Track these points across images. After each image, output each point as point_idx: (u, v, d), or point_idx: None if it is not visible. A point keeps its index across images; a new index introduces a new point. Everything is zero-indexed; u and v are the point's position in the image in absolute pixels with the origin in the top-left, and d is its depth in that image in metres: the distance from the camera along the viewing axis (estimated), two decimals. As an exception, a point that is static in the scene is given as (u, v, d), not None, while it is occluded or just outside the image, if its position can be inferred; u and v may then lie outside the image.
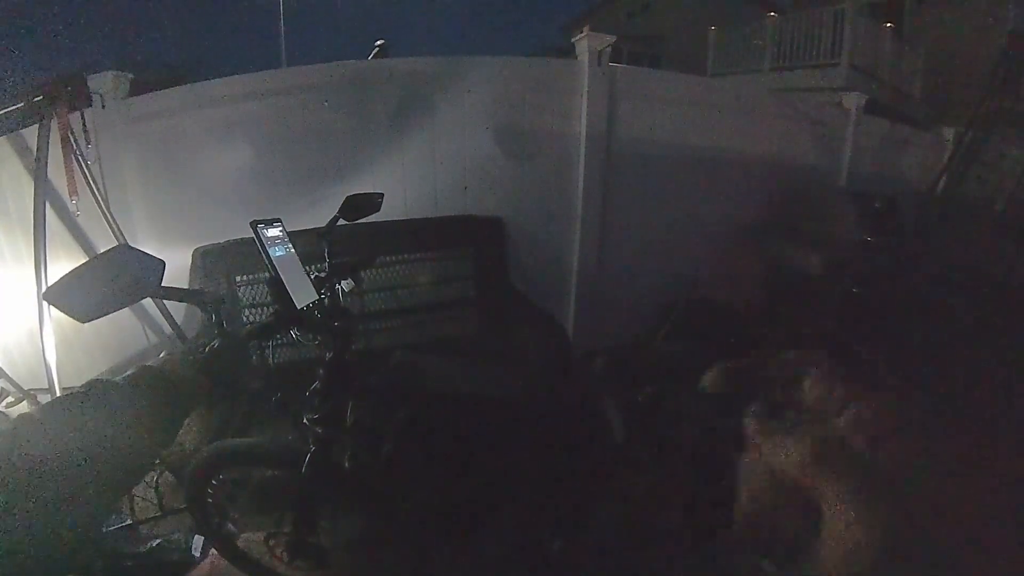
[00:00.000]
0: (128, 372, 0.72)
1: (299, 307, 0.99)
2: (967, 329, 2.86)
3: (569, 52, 2.83)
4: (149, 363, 0.77)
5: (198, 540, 1.89)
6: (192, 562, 1.84)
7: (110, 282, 0.72)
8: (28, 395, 2.58)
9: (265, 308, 2.25)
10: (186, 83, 2.53)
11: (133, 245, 0.79)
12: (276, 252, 1.00)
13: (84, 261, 0.75)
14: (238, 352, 0.88)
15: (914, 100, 6.52)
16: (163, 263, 0.80)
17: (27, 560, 0.35)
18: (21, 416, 0.51)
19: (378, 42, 3.30)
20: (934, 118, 5.68)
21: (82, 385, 0.62)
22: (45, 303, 1.98)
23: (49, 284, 0.70)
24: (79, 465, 0.50)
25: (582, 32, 2.68)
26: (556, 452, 1.15)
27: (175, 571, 1.81)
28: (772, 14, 6.83)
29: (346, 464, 1.12)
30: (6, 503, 0.38)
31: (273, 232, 1.01)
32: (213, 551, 1.80)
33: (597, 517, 1.23)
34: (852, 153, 3.80)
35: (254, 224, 0.98)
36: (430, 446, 1.18)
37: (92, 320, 0.71)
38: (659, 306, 2.88)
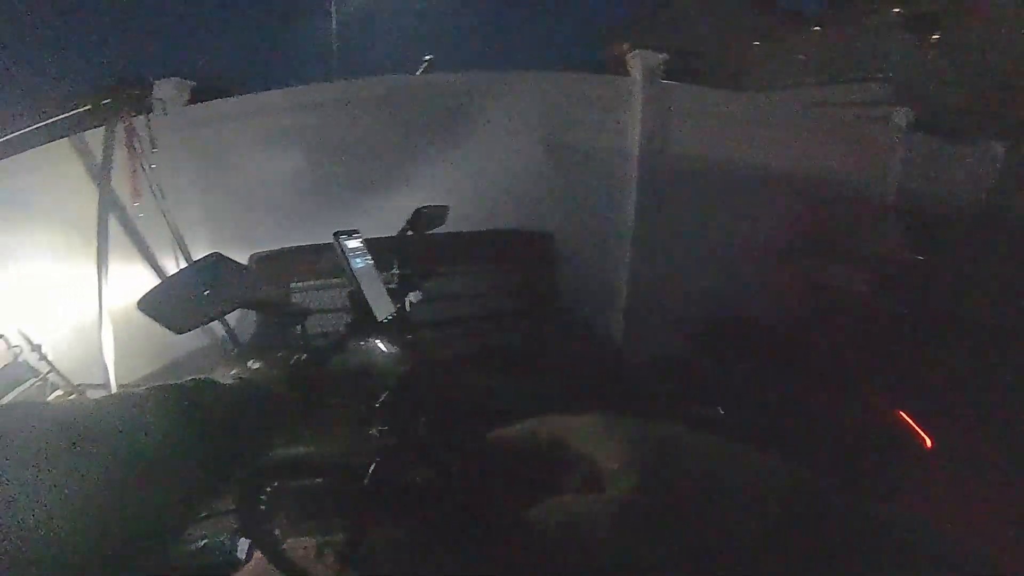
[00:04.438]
0: (228, 377, 0.67)
1: (379, 319, 0.98)
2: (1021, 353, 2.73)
3: (605, 67, 2.82)
4: (245, 373, 0.73)
5: (243, 543, 1.90)
6: (236, 564, 1.86)
7: (204, 291, 0.69)
8: (77, 389, 2.66)
9: (321, 315, 2.28)
10: (239, 94, 2.60)
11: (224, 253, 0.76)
12: (357, 263, 0.98)
13: (178, 269, 0.74)
14: (323, 365, 0.85)
15: (963, 113, 6.31)
16: (254, 272, 0.79)
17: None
18: (118, 396, 0.48)
19: (427, 57, 3.34)
20: (985, 132, 5.48)
21: (185, 380, 0.58)
22: (102, 301, 2.03)
23: (140, 285, 0.67)
24: (175, 462, 0.46)
25: (625, 48, 2.68)
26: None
27: (219, 572, 1.82)
28: (816, 28, 6.72)
29: (416, 480, 1.10)
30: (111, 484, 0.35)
31: (353, 243, 0.99)
32: (258, 555, 1.81)
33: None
34: (899, 169, 3.68)
35: (336, 235, 0.96)
36: (482, 467, 1.15)
37: (188, 331, 0.68)
38: (705, 324, 2.83)
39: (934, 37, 6.16)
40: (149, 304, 0.65)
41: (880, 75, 5.75)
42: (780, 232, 3.18)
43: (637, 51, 2.64)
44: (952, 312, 3.00)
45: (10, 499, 0.27)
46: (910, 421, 1.71)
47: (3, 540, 0.25)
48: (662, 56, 2.63)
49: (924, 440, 1.68)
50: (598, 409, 0.36)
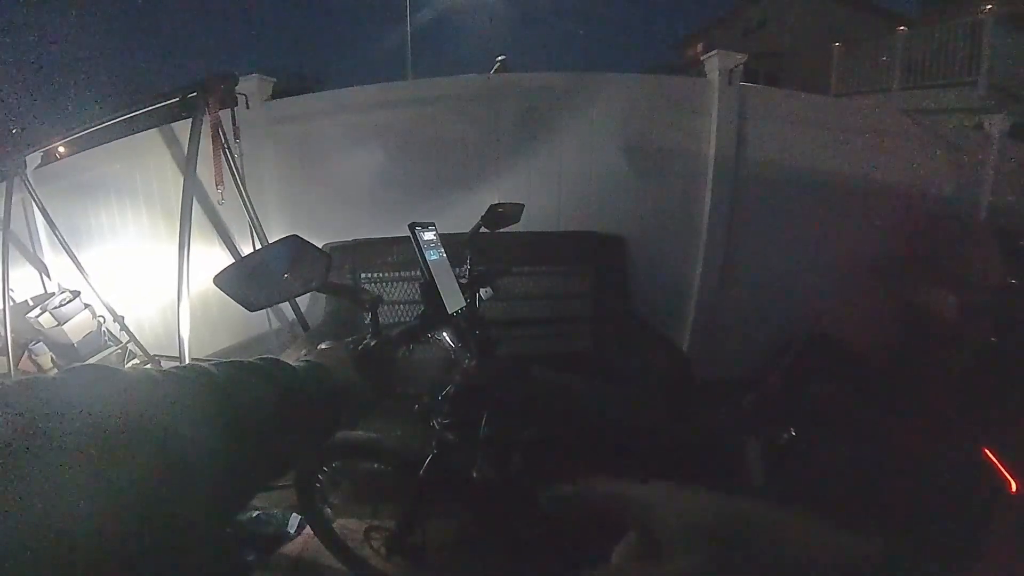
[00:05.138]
0: (300, 358, 0.69)
1: (450, 311, 0.98)
2: None
3: (683, 69, 2.73)
4: (314, 357, 0.74)
5: (295, 518, 1.98)
6: (286, 538, 1.93)
7: (279, 272, 0.71)
8: (153, 359, 2.87)
9: (391, 306, 2.34)
10: (316, 91, 2.72)
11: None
12: (431, 255, 0.98)
13: (256, 249, 0.76)
14: (390, 355, 0.86)
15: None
16: (329, 257, 0.78)
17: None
18: (188, 367, 0.47)
19: (499, 57, 3.38)
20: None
21: (256, 358, 0.56)
22: (183, 280, 2.17)
23: (219, 267, 0.69)
24: (242, 437, 0.45)
25: (701, 49, 2.58)
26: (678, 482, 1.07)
27: (268, 543, 1.91)
28: (901, 28, 6.24)
29: (474, 474, 1.10)
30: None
31: (428, 236, 1.00)
32: (308, 531, 1.87)
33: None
34: (994, 183, 3.36)
35: (412, 226, 0.97)
36: (548, 467, 1.14)
37: (259, 310, 0.71)
38: (779, 338, 2.69)
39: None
40: (225, 280, 0.68)
41: (975, 79, 5.27)
42: (863, 247, 2.98)
43: (714, 52, 2.54)
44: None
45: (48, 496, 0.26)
46: (995, 460, 1.55)
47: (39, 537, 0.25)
48: (739, 57, 2.52)
49: (1010, 483, 1.51)
50: (664, 476, 0.35)
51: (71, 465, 0.28)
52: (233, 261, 0.73)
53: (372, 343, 0.83)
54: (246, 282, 0.70)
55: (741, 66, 2.55)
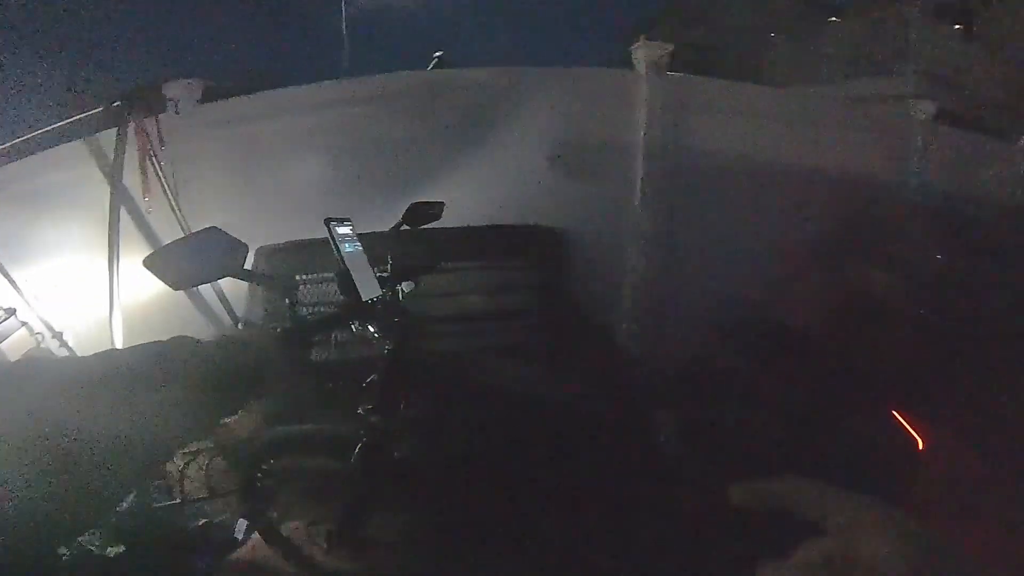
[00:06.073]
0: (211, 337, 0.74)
1: (364, 299, 1.03)
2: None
3: (626, 62, 2.81)
4: (228, 334, 0.79)
5: (242, 523, 1.95)
6: (234, 544, 1.91)
7: (201, 257, 0.79)
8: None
9: (325, 307, 2.33)
10: (254, 92, 2.68)
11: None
12: (346, 248, 1.05)
13: (181, 237, 0.81)
14: (306, 337, 0.92)
15: (990, 107, 6.06)
16: (247, 247, 0.85)
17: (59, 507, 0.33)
18: (102, 354, 0.49)
19: (437, 53, 3.40)
20: (1013, 126, 5.25)
21: (168, 339, 0.61)
22: (114, 292, 2.13)
23: (119, 270, 0.75)
24: (144, 417, 0.48)
25: (638, 42, 2.66)
26: (607, 461, 1.13)
27: (217, 551, 1.88)
28: (833, 19, 6.55)
29: (395, 455, 1.14)
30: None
31: (344, 229, 1.07)
32: (256, 535, 1.86)
33: (642, 533, 1.19)
34: (923, 166, 3.55)
35: (327, 220, 1.04)
36: (480, 446, 1.18)
37: (183, 289, 0.78)
38: (720, 324, 2.78)
39: (963, 27, 5.93)
40: (153, 263, 0.74)
41: (905, 67, 5.57)
42: (800, 231, 3.10)
43: (640, 43, 2.61)
44: (976, 315, 2.88)
45: None
46: (903, 422, 1.65)
47: None
48: (666, 47, 2.60)
49: (917, 441, 1.62)
50: (866, 491, 0.34)
51: None
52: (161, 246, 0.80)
53: (289, 325, 0.90)
54: (171, 265, 0.77)
55: (668, 56, 2.62)
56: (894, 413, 1.68)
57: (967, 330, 2.70)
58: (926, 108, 3.53)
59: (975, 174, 3.97)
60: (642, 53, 2.62)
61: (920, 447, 1.64)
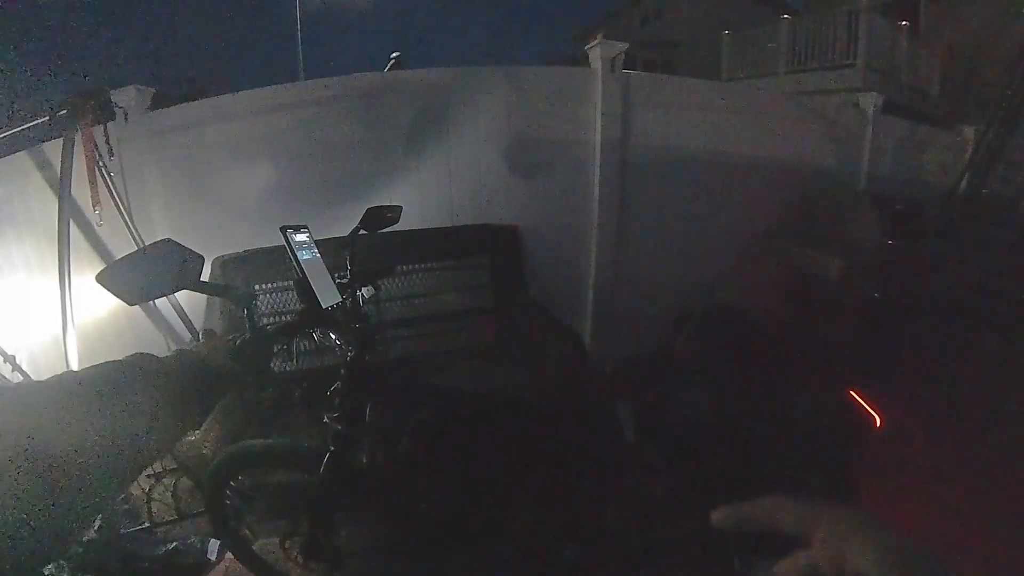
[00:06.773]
0: (169, 353, 0.72)
1: (324, 307, 1.02)
2: (995, 334, 2.76)
3: (582, 61, 2.84)
4: (186, 347, 0.78)
5: (213, 544, 1.91)
6: (207, 566, 1.87)
7: (156, 270, 0.77)
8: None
9: (283, 316, 2.28)
10: (207, 96, 2.60)
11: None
12: (304, 255, 1.03)
13: (135, 250, 0.79)
14: (266, 347, 0.90)
15: (933, 99, 6.40)
16: (203, 258, 0.83)
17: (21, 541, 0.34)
18: (62, 376, 0.49)
19: (393, 54, 3.37)
20: (954, 117, 5.56)
21: (127, 357, 0.58)
22: (67, 308, 2.04)
23: (70, 286, 0.72)
24: (108, 436, 0.47)
25: (595, 40, 2.70)
26: (568, 454, 1.15)
27: (190, 574, 1.83)
28: (785, 16, 6.78)
29: (363, 461, 1.13)
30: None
31: (301, 237, 1.05)
32: (229, 555, 1.81)
33: (609, 522, 1.22)
34: (870, 154, 3.73)
35: (283, 228, 1.02)
36: (446, 448, 1.18)
37: (138, 304, 0.75)
38: (677, 313, 2.85)
39: (906, 23, 6.22)
40: (106, 278, 0.71)
41: (853, 62, 5.81)
42: (753, 220, 3.21)
43: (596, 42, 2.66)
44: (921, 295, 3.03)
45: None
46: (860, 400, 1.73)
47: None
48: (621, 46, 2.65)
49: (875, 419, 1.70)
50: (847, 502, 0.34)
51: None
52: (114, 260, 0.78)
53: (248, 336, 0.87)
54: (126, 279, 0.74)
55: (623, 54, 2.68)
56: (852, 393, 1.76)
57: (916, 310, 2.84)
58: (873, 100, 3.71)
59: (919, 161, 4.20)
60: (598, 51, 2.66)
61: (878, 425, 1.73)
